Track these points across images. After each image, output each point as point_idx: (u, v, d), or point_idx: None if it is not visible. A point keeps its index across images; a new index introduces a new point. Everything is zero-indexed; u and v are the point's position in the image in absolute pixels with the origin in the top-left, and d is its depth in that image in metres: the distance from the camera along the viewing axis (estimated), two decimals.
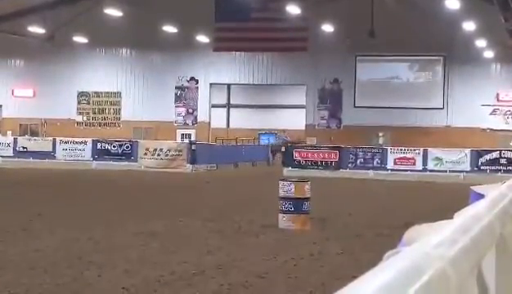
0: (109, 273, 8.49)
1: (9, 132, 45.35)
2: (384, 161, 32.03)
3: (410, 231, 1.57)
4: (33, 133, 46.77)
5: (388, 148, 33.68)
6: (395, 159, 31.99)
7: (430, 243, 1.09)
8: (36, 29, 45.13)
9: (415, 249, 1.03)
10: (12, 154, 35.16)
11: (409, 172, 31.14)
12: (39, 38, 46.16)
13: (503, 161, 31.05)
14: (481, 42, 42.53)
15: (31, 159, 34.11)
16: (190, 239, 11.38)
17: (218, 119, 50.84)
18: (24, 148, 35.47)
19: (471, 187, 6.44)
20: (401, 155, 32.08)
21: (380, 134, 45.16)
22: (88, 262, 9.14)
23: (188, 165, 33.00)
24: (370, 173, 31.49)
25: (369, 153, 32.46)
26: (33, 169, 30.46)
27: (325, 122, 47.14)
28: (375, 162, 32.13)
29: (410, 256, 0.97)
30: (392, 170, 31.63)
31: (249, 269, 8.95)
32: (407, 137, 40.80)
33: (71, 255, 9.66)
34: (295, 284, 8.24)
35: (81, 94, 49.72)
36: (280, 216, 12.86)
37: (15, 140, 36.34)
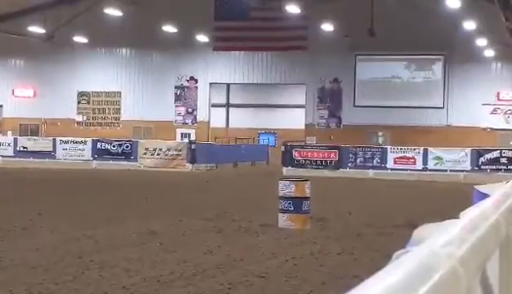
0: (109, 273, 8.48)
1: (9, 132, 45.34)
2: (383, 160, 32.02)
3: (419, 230, 1.55)
4: (34, 133, 46.76)
5: (388, 147, 33.66)
6: (395, 159, 31.97)
7: (439, 242, 1.08)
8: (36, 29, 45.11)
9: (424, 248, 1.02)
10: (13, 154, 35.19)
11: (409, 172, 31.13)
12: (39, 38, 46.12)
13: (503, 160, 31.04)
14: (481, 41, 42.51)
15: (31, 159, 34.12)
16: (189, 239, 11.37)
17: (218, 119, 50.82)
18: (24, 148, 35.48)
19: (475, 186, 6.42)
20: (402, 154, 32.07)
21: (380, 133, 45.14)
22: (89, 261, 9.13)
23: (188, 164, 33.00)
24: (370, 173, 31.47)
25: (369, 153, 32.45)
26: (33, 169, 30.45)
27: (324, 121, 47.11)
28: (374, 162, 32.12)
29: (420, 255, 0.95)
30: (392, 169, 31.61)
31: (248, 268, 8.93)
32: (407, 136, 40.79)
33: (71, 254, 9.65)
34: (295, 283, 8.23)
35: (81, 94, 49.71)
36: (280, 215, 12.84)
37: (16, 140, 36.35)
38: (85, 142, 34.94)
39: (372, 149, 32.97)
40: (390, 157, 32.02)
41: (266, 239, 11.44)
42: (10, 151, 35.41)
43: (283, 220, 12.76)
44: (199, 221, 13.40)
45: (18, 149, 35.39)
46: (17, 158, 34.49)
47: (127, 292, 7.65)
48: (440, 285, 0.89)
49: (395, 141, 39.18)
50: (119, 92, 49.43)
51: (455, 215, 2.25)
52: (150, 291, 7.76)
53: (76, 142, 35.13)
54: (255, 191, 20.95)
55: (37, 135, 43.54)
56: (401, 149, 32.44)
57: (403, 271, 0.86)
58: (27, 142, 36.15)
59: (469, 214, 1.74)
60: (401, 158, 31.96)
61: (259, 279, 8.38)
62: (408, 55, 45.27)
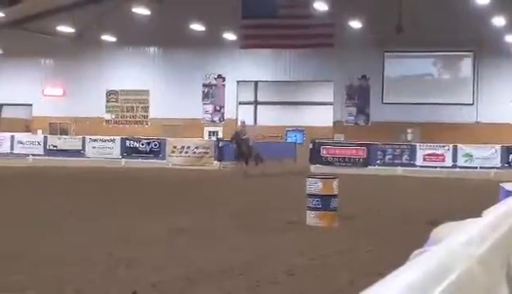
0: (137, 270, 8.55)
1: (39, 131, 45.83)
2: (412, 157, 31.78)
3: (439, 229, 1.55)
4: (63, 132, 47.21)
5: (417, 144, 33.39)
6: (424, 156, 31.72)
7: (458, 242, 1.08)
8: (65, 28, 45.49)
9: (443, 248, 1.02)
10: (43, 153, 35.58)
11: (438, 169, 30.85)
12: (68, 37, 46.54)
13: None
14: (511, 38, 41.98)
15: (61, 157, 34.47)
16: (217, 236, 11.40)
17: (245, 116, 50.81)
18: (54, 146, 35.85)
19: (500, 184, 6.35)
20: (431, 151, 31.81)
21: (409, 130, 44.79)
22: (118, 258, 9.20)
23: (215, 162, 33.07)
24: (399, 170, 31.25)
25: (397, 150, 32.24)
26: (63, 167, 30.75)
27: (352, 118, 46.90)
28: (403, 159, 31.90)
29: (438, 254, 0.95)
30: (421, 166, 31.36)
31: (276, 266, 8.93)
32: (436, 133, 40.41)
33: (101, 251, 9.74)
34: (323, 281, 8.22)
35: (109, 92, 50.03)
36: (308, 212, 12.82)
37: (46, 139, 36.75)
38: (114, 140, 35.21)
39: (401, 146, 32.75)
40: (419, 154, 31.77)
41: (293, 237, 11.44)
42: (40, 150, 35.82)
43: (311, 218, 12.74)
44: (227, 219, 13.44)
45: (48, 147, 35.77)
46: (47, 157, 34.87)
47: (155, 290, 7.70)
48: (457, 285, 0.89)
49: (424, 138, 38.86)
50: (147, 91, 49.66)
51: (480, 212, 2.24)
52: (178, 288, 7.81)
53: (105, 140, 35.43)
54: (283, 188, 20.93)
55: (66, 134, 43.96)
56: (430, 145, 32.17)
57: (420, 270, 0.86)
58: (57, 141, 36.53)
59: (492, 212, 1.73)
60: (430, 154, 31.70)
61: (287, 277, 8.38)
62: (437, 51, 44.84)
